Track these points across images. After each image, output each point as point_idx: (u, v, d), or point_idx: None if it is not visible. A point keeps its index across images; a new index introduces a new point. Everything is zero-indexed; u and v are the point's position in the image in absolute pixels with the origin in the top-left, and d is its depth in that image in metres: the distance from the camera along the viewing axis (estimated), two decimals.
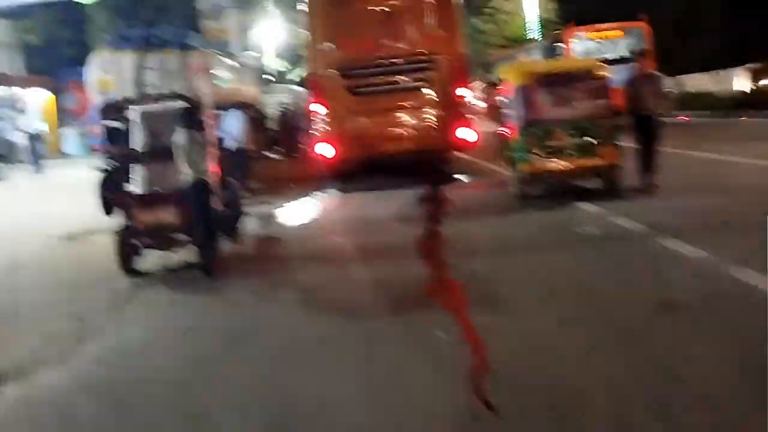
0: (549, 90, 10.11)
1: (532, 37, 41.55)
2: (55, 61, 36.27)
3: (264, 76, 26.04)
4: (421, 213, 10.32)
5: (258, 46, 33.80)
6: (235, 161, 14.33)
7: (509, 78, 10.60)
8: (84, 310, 6.72)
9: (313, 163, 14.15)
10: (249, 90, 19.84)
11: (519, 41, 41.44)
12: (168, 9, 37.27)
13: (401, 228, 9.39)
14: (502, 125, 11.31)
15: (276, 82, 29.30)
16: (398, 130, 13.20)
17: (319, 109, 13.23)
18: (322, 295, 6.55)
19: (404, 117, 13.24)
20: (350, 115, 13.15)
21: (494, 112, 11.79)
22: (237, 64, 19.58)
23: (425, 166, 14.34)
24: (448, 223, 9.37)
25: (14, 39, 35.75)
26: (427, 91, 13.19)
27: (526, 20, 42.35)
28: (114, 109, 8.56)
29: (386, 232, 9.11)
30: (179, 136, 7.64)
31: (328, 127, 13.19)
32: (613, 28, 21.24)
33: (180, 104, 8.13)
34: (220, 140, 14.31)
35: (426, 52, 13.18)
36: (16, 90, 31.59)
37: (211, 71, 15.14)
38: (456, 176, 13.78)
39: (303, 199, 12.87)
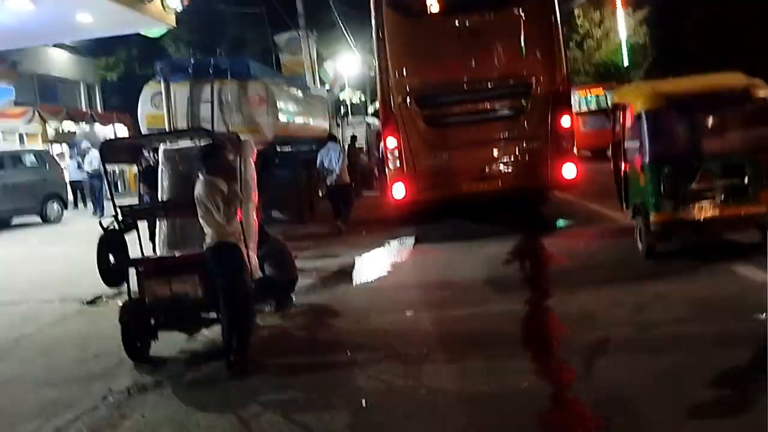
0: (689, 116, 7.74)
1: (624, 63, 38.86)
2: (135, 97, 35.90)
3: (339, 108, 24.34)
4: (519, 274, 8.09)
5: (335, 78, 32.35)
6: (334, 198, 13.26)
7: (632, 101, 8.28)
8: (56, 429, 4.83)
9: (387, 205, 12.13)
10: (320, 123, 18.08)
11: (610, 68, 38.74)
12: (245, 42, 36.52)
13: (494, 298, 7.17)
14: (621, 161, 8.96)
15: (351, 115, 27.62)
16: (486, 167, 11.03)
17: (391, 143, 11.21)
18: (381, 423, 4.37)
19: (493, 151, 11.07)
20: (429, 150, 11.08)
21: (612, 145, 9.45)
22: (307, 96, 17.87)
23: (519, 209, 12.15)
24: (556, 291, 7.08)
25: (94, 76, 35.69)
26: (522, 121, 10.99)
27: (619, 46, 39.60)
28: (119, 150, 6.72)
29: (474, 306, 6.89)
30: (199, 186, 5.70)
31: (402, 164, 11.16)
32: (596, 87, 27.75)
33: (203, 143, 6.19)
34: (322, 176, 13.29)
35: (521, 75, 11.00)
36: (94, 127, 31.19)
37: (273, 103, 13.39)
38: (557, 222, 11.47)
39: (373, 250, 10.81)
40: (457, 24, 11.01)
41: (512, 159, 10.99)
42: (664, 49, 35.46)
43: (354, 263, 9.91)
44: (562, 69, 11.12)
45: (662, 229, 7.68)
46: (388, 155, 11.32)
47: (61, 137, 29.98)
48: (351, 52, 34.46)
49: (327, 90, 24.72)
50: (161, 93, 13.23)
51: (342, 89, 36.26)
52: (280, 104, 13.97)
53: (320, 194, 17.95)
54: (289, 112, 14.84)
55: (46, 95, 31.73)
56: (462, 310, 6.77)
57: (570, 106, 11.42)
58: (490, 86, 11.12)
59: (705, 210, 7.51)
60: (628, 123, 8.45)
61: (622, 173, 8.99)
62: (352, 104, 35.72)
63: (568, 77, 11.42)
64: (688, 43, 35.32)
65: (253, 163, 7.41)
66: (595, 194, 12.93)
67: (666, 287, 6.72)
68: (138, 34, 24.92)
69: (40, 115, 27.80)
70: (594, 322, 5.88)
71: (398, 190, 11.20)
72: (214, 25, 35.04)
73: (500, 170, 11.00)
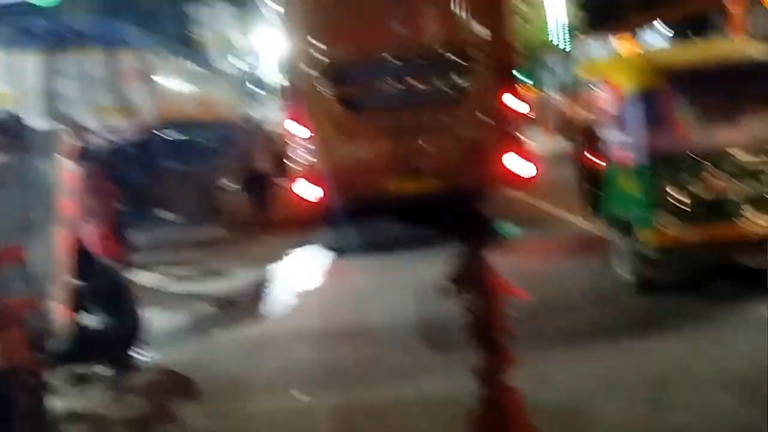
0: (696, 97, 5.60)
1: (554, 43, 37.38)
2: None
3: (251, 87, 21.65)
4: (463, 315, 5.78)
5: (253, 55, 29.56)
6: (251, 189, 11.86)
7: (615, 78, 6.08)
8: None
9: (294, 205, 9.70)
10: (227, 104, 15.49)
11: (538, 47, 37.25)
12: (156, 15, 33.11)
13: (430, 362, 4.86)
14: (594, 154, 6.80)
15: (265, 94, 24.93)
16: (417, 161, 8.71)
17: (296, 129, 8.77)
18: None
19: (426, 141, 8.74)
20: (344, 139, 8.69)
21: (576, 132, 7.31)
22: (209, 72, 15.21)
23: (458, 212, 9.92)
24: (521, 352, 4.80)
25: None
26: (462, 103, 8.72)
27: (548, 25, 38.08)
28: None
29: (401, 380, 4.57)
30: None
31: (311, 157, 8.75)
32: None
33: None
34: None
35: (459, 44, 8.71)
36: None
37: (154, 78, 10.75)
38: (505, 228, 9.29)
39: (272, 263, 8.41)
40: None
41: (450, 150, 8.68)
42: (594, 28, 33.90)
43: (242, 291, 7.47)
44: (508, 37, 8.87)
45: (663, 255, 5.53)
46: (295, 145, 8.87)
47: None
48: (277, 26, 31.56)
49: (244, 68, 22.08)
50: (6, 65, 10.38)
51: (257, 66, 33.44)
52: (166, 80, 11.32)
53: (228, 187, 15.54)
54: (181, 90, 12.19)
55: None
56: (382, 390, 4.43)
57: (518, 83, 9.20)
58: (421, 58, 8.80)
59: (719, 226, 5.41)
60: (608, 106, 6.26)
61: (591, 171, 6.83)
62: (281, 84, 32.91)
63: (514, 48, 9.17)
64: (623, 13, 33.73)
65: (66, 164, 4.91)
66: (544, 190, 10.84)
67: (683, 350, 4.53)
68: (30, 3, 21.56)
69: None
70: (593, 422, 3.64)
71: (304, 189, 8.80)
72: None
73: (435, 165, 8.68)
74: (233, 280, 8.03)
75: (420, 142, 8.69)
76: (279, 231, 10.72)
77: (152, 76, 10.78)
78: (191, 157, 12.53)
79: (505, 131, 8.78)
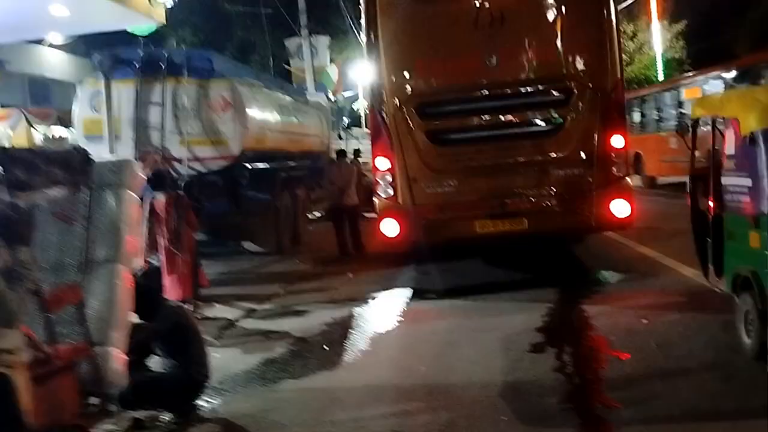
0: None
1: (661, 80, 35.96)
2: None
3: (342, 119, 21.56)
4: (556, 380, 5.16)
5: (339, 84, 29.79)
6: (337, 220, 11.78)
7: (738, 115, 5.39)
8: None
9: (378, 242, 9.32)
10: (314, 135, 15.36)
11: (642, 82, 35.93)
12: (253, 46, 33.92)
13: None
14: (706, 201, 6.07)
15: (362, 126, 24.90)
16: (508, 200, 8.16)
17: (382, 164, 8.40)
18: None
19: (519, 179, 8.21)
20: (431, 175, 8.26)
21: (689, 175, 6.55)
22: (298, 103, 15.12)
23: (551, 256, 9.34)
24: (612, 419, 4.18)
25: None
26: (560, 139, 8.14)
27: (656, 62, 36.69)
28: None
29: None
30: None
31: (395, 193, 8.36)
32: None
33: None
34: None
35: (559, 77, 8.17)
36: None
37: (242, 108, 10.64)
38: (601, 274, 8.60)
39: (353, 307, 7.98)
40: (473, 6, 8.18)
41: (544, 190, 8.11)
42: (702, 64, 32.35)
43: (318, 334, 7.06)
44: (616, 70, 8.23)
45: None
46: (378, 180, 8.50)
47: (50, 143, 27.57)
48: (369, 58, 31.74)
49: (331, 99, 22.02)
50: (101, 92, 10.54)
51: (355, 99, 33.60)
52: (253, 110, 11.21)
53: (312, 216, 15.42)
54: (267, 121, 12.08)
55: (37, 98, 29.42)
56: None
57: (624, 120, 8.56)
58: (516, 91, 8.30)
59: None
60: (728, 147, 5.57)
61: (705, 219, 6.10)
62: (370, 116, 33.12)
63: (623, 82, 8.51)
64: (729, 58, 32.14)
65: (134, 198, 4.67)
66: (646, 234, 10.06)
67: None
68: (127, 32, 22.35)
69: (26, 118, 25.45)
70: None
71: (389, 228, 8.38)
72: (220, 26, 32.68)
73: (527, 205, 8.12)
74: (310, 319, 7.67)
75: (512, 180, 8.17)
76: (362, 267, 10.38)
77: (242, 107, 10.67)
78: (277, 188, 12.42)
79: (606, 171, 8.14)
